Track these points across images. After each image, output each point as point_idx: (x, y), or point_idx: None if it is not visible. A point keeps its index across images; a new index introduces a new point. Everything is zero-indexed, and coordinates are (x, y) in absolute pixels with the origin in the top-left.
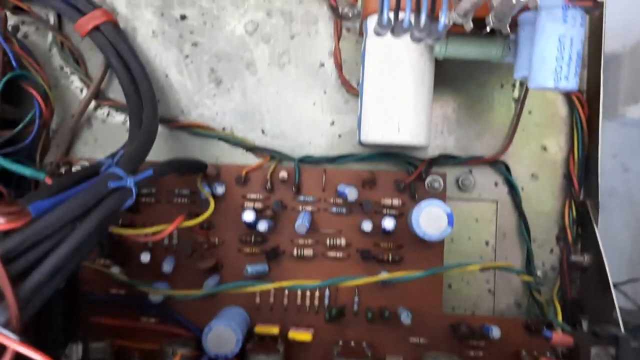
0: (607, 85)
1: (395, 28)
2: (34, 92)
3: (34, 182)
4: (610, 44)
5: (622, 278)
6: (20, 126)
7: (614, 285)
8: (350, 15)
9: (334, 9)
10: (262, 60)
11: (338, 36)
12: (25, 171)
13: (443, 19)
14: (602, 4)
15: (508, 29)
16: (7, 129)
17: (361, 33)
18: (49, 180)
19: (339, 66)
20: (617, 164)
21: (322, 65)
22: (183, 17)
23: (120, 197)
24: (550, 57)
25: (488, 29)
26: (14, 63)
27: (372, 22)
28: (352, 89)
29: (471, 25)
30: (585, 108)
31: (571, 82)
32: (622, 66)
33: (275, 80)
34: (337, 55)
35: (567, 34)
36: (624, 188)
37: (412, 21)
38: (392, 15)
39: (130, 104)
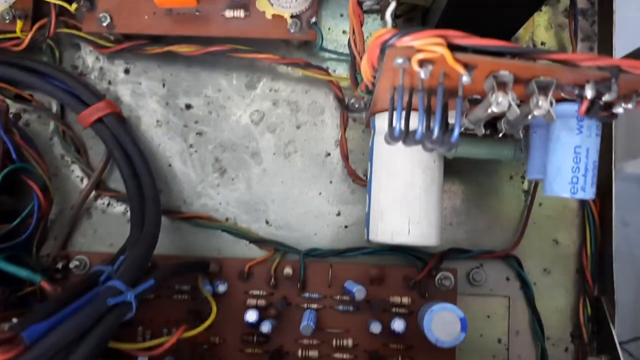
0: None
1: (407, 140)
2: (33, 185)
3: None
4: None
5: (626, 336)
6: (17, 220)
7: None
8: (356, 106)
9: (340, 100)
10: (267, 150)
11: (344, 126)
12: (22, 273)
13: (457, 131)
14: (617, 115)
15: (520, 134)
16: (4, 221)
17: (368, 124)
18: (45, 285)
19: (345, 156)
20: (616, 219)
21: (329, 154)
22: (188, 107)
23: (120, 313)
24: (566, 167)
25: (500, 135)
26: (13, 155)
27: (380, 119)
28: (359, 180)
29: (483, 131)
30: (597, 201)
31: (588, 193)
32: (617, 121)
33: (280, 170)
34: (343, 145)
35: (583, 145)
36: (624, 243)
37: (424, 132)
38: (403, 126)
39: (132, 201)
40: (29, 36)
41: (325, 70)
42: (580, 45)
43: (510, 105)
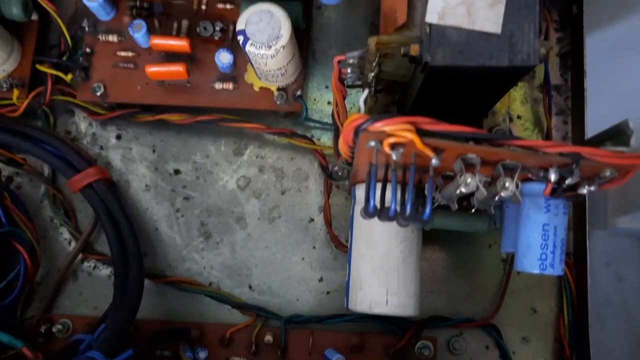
0: (594, 196)
1: (382, 215)
2: (21, 249)
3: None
4: None
5: None
6: (2, 283)
7: None
8: (339, 174)
9: (324, 168)
10: (252, 214)
11: (328, 193)
12: (3, 338)
13: (428, 210)
14: (584, 195)
15: (492, 210)
16: None
17: (350, 192)
18: (26, 351)
19: (328, 222)
20: (610, 273)
21: (312, 220)
22: (177, 172)
23: None
24: (535, 245)
25: (473, 210)
26: (3, 219)
27: (359, 189)
28: (341, 246)
29: (456, 206)
30: (573, 270)
31: (557, 269)
32: None
33: (264, 235)
34: (326, 212)
35: (551, 223)
36: (618, 298)
37: (398, 209)
38: (378, 202)
39: (116, 266)
40: (25, 104)
41: (310, 139)
42: (554, 119)
43: (478, 187)
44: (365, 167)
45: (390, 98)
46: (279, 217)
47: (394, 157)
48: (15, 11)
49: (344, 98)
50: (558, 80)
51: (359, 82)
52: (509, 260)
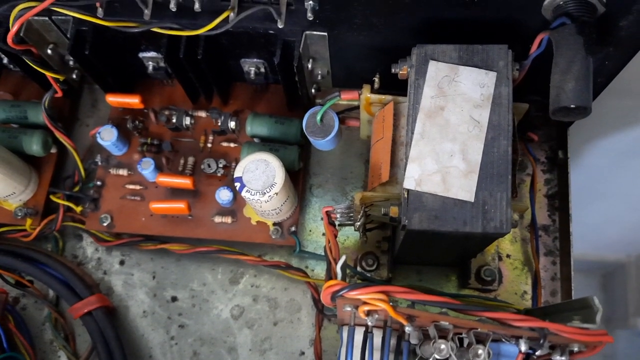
0: (615, 295)
1: None
2: None
3: None
4: (614, 253)
5: None
6: None
7: None
8: (331, 308)
9: (316, 302)
10: (244, 345)
11: (319, 326)
12: None
13: None
14: None
15: None
16: None
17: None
18: None
19: (318, 357)
20: None
21: (303, 353)
22: (174, 299)
23: None
24: None
25: None
26: (5, 344)
27: (345, 331)
28: None
29: None
30: None
31: None
32: (628, 276)
33: None
34: (317, 346)
35: None
36: None
37: None
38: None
39: None
40: (37, 231)
41: (304, 272)
42: (543, 260)
43: (450, 355)
44: (346, 318)
45: (382, 234)
46: (270, 349)
47: (369, 323)
48: (35, 148)
49: (335, 236)
50: (546, 220)
51: (349, 222)
52: None
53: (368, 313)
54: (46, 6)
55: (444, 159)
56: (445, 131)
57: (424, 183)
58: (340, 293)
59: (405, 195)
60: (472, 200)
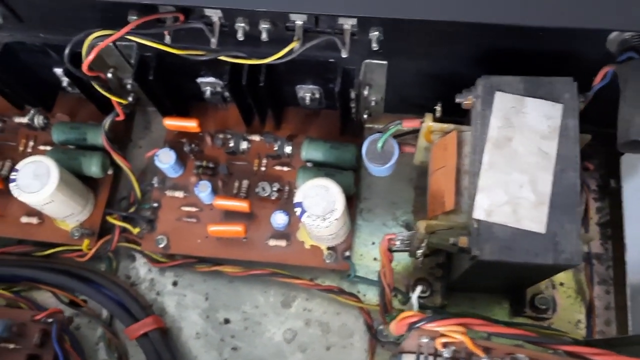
0: None
1: None
2: None
3: None
4: None
5: None
6: None
7: None
8: (384, 334)
9: (369, 327)
10: None
11: (372, 352)
12: None
13: None
14: None
15: None
16: None
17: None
18: None
19: None
20: None
21: None
22: (227, 321)
23: None
24: None
25: None
26: None
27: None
28: None
29: None
30: None
31: None
32: None
33: None
34: None
35: None
36: None
37: None
38: None
39: None
40: (92, 251)
41: (357, 297)
42: (596, 289)
43: None
44: (413, 344)
45: (435, 260)
46: None
47: (446, 355)
48: (94, 169)
49: (391, 262)
50: (599, 249)
51: (407, 249)
52: None
53: (445, 345)
54: (122, 35)
55: (514, 190)
56: (514, 162)
57: (495, 213)
58: (418, 325)
59: (476, 226)
60: (544, 232)
